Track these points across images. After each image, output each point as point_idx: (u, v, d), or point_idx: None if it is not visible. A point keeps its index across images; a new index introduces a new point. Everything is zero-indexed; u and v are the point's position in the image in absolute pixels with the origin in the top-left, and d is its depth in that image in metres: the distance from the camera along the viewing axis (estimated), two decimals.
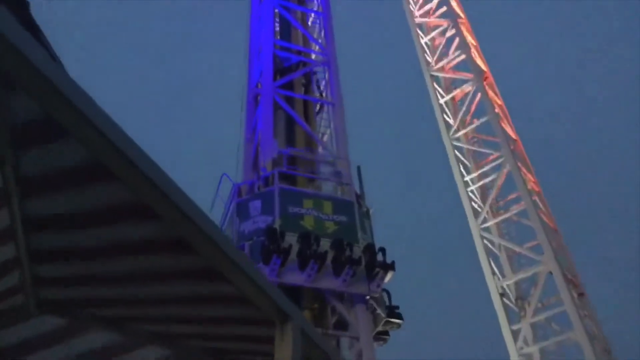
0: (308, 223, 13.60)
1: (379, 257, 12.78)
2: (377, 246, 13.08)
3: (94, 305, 2.30)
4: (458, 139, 22.15)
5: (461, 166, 21.61)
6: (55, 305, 2.24)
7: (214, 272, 1.86)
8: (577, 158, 60.17)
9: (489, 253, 19.59)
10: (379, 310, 12.79)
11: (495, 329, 18.82)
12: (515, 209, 19.54)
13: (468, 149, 21.58)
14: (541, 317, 17.77)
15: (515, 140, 21.39)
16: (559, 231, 19.52)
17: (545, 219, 19.27)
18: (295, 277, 11.56)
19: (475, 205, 20.88)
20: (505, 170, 20.02)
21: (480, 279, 19.80)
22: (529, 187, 19.78)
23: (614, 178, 59.01)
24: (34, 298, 2.18)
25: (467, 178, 21.40)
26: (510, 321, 18.40)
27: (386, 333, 13.22)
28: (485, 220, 20.09)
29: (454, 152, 22.04)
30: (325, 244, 12.91)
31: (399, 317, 13.54)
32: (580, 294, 17.95)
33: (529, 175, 20.40)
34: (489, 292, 19.33)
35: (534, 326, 18.02)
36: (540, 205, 19.62)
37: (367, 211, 15.14)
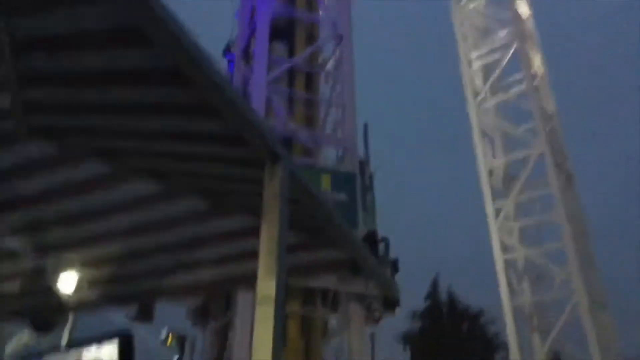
0: None
1: (381, 248, 11.71)
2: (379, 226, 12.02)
3: (85, 135, 2.29)
4: None
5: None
6: (46, 132, 2.23)
7: (209, 107, 1.82)
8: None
9: (484, 135, 19.67)
10: (375, 307, 12.01)
11: (480, 209, 19.46)
12: (515, 91, 19.31)
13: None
14: (526, 195, 18.32)
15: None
16: (557, 116, 19.45)
17: (544, 103, 19.11)
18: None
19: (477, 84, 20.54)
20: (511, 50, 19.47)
21: (472, 161, 20.07)
22: (533, 70, 19.35)
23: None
24: (24, 123, 2.16)
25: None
26: (495, 200, 18.98)
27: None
28: (484, 100, 19.91)
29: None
30: None
31: (396, 304, 12.98)
32: (568, 177, 18.35)
33: (536, 57, 19.83)
34: (479, 174, 19.68)
35: (517, 205, 18.65)
36: (542, 89, 19.36)
37: (371, 178, 14.03)
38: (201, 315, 12.06)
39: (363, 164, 13.28)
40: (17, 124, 2.18)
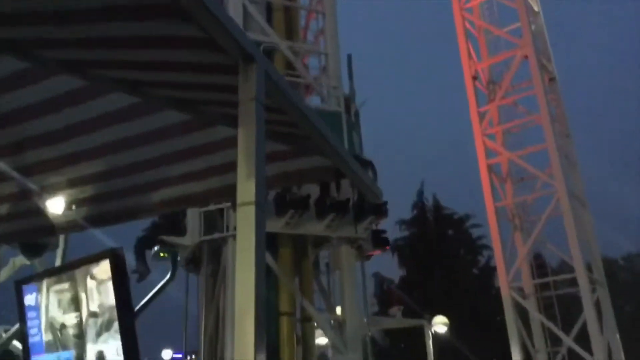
0: None
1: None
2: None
3: (55, 48, 2.21)
4: None
5: None
6: (15, 46, 2.15)
7: (180, 10, 1.74)
8: None
9: (468, 35, 19.33)
10: (365, 247, 11.95)
11: (464, 114, 19.49)
12: None
13: None
14: (509, 99, 18.35)
15: None
16: (541, 14, 19.08)
17: (529, 1, 18.66)
18: (271, 224, 10.29)
19: None
20: None
21: (456, 62, 19.85)
22: None
23: None
24: None
25: None
26: (479, 104, 19.01)
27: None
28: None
29: None
30: None
31: (385, 242, 12.78)
32: (551, 79, 18.33)
33: None
34: (463, 77, 19.53)
35: (500, 109, 18.71)
36: None
37: (357, 114, 13.43)
38: (193, 263, 12.35)
39: (348, 100, 12.99)
40: None
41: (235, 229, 2.04)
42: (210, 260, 11.77)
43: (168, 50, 2.10)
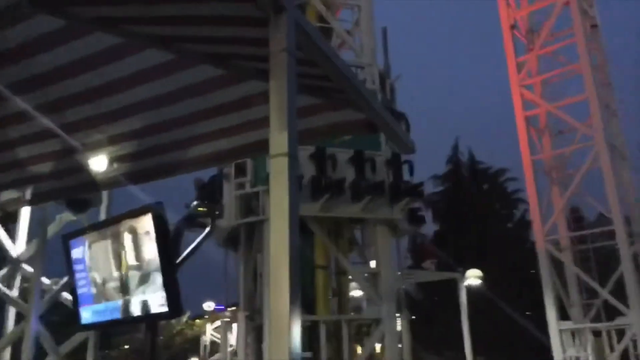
0: None
1: (406, 172, 11.27)
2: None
3: (88, 5, 2.25)
4: None
5: None
6: (48, 5, 2.19)
7: None
8: None
9: None
10: (401, 226, 11.86)
11: (502, 64, 18.93)
12: None
13: None
14: (549, 48, 17.73)
15: None
16: None
17: None
18: (307, 208, 10.31)
19: None
20: None
21: (494, 11, 19.17)
22: None
23: None
24: None
25: None
26: (517, 54, 18.44)
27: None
28: None
29: None
30: (342, 159, 11.06)
31: (421, 221, 12.52)
32: (593, 26, 17.57)
33: None
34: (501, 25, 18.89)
35: (539, 58, 18.11)
36: None
37: (392, 90, 13.03)
38: (231, 242, 12.62)
39: (383, 76, 12.69)
40: None
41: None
42: (247, 242, 12.08)
43: (197, 4, 2.11)
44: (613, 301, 15.45)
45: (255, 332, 12.27)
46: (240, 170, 11.66)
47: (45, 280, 6.93)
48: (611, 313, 15.91)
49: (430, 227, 32.55)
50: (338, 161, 11.06)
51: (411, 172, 11.75)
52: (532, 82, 18.06)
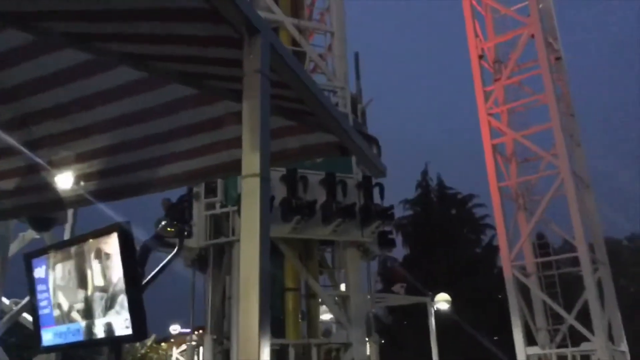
0: None
1: (376, 195, 11.32)
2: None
3: (60, 21, 2.23)
4: None
5: None
6: (19, 19, 2.16)
7: None
8: None
9: (474, 14, 19.14)
10: (372, 250, 11.95)
11: (470, 93, 19.39)
12: None
13: None
14: (515, 78, 18.25)
15: None
16: None
17: None
18: (278, 230, 10.24)
19: None
20: None
21: (462, 42, 19.69)
22: None
23: None
24: None
25: None
26: (485, 84, 18.91)
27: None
28: None
29: None
30: (314, 181, 10.98)
31: (391, 244, 12.69)
32: (557, 58, 18.17)
33: None
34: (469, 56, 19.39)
35: (506, 88, 18.62)
36: None
37: (363, 113, 13.26)
38: (199, 263, 12.49)
39: (355, 100, 12.86)
40: None
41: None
42: (216, 263, 11.95)
43: (172, 23, 2.11)
44: (578, 327, 15.70)
45: (223, 356, 12.04)
46: (211, 190, 11.56)
47: (5, 300, 6.70)
48: (577, 338, 16.14)
49: (400, 251, 32.74)
50: (309, 183, 11.07)
51: (382, 195, 11.82)
52: (499, 110, 18.52)
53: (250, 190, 1.92)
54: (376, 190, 11.63)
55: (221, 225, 11.49)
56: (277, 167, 10.06)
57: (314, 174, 11.18)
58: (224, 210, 11.40)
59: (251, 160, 1.93)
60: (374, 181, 11.58)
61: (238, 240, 10.61)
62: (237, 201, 10.35)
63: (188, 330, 17.87)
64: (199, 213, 11.57)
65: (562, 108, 17.53)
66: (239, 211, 9.06)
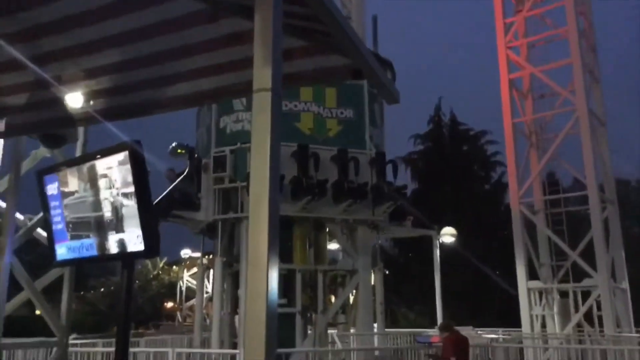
0: (305, 125, 10.70)
1: (388, 172, 10.99)
2: None
3: None
4: None
5: None
6: None
7: None
8: None
9: None
10: (382, 225, 11.74)
11: (489, 26, 18.72)
12: None
13: None
14: (537, 10, 17.57)
15: None
16: None
17: None
18: (287, 207, 9.96)
19: None
20: None
21: None
22: None
23: None
24: None
25: None
26: (505, 15, 18.25)
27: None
28: None
29: None
30: (325, 158, 10.55)
31: (402, 217, 12.23)
32: None
33: None
34: None
35: (527, 20, 17.96)
36: None
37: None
38: (210, 231, 12.47)
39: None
40: None
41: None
42: (225, 235, 11.99)
43: None
44: (582, 263, 15.92)
45: (232, 279, 12.39)
46: (220, 164, 11.27)
47: (19, 215, 6.88)
48: (578, 275, 16.41)
49: (408, 185, 32.79)
50: (321, 159, 10.81)
51: (395, 174, 11.66)
52: (519, 43, 17.95)
53: (261, 105, 1.88)
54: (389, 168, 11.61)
55: (230, 200, 11.41)
56: (290, 87, 9.96)
57: (326, 149, 10.94)
58: (233, 185, 11.27)
59: (263, 74, 1.88)
60: (387, 158, 11.45)
61: (246, 217, 10.65)
62: (247, 177, 10.31)
63: (198, 254, 18.36)
64: (207, 186, 11.48)
65: (583, 43, 16.95)
66: (247, 188, 9.01)
